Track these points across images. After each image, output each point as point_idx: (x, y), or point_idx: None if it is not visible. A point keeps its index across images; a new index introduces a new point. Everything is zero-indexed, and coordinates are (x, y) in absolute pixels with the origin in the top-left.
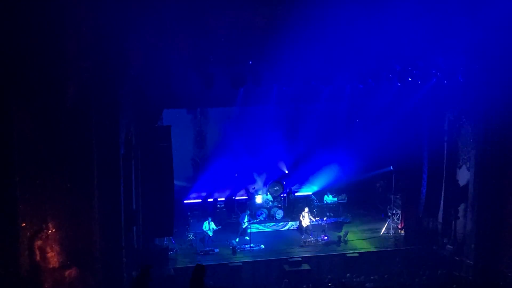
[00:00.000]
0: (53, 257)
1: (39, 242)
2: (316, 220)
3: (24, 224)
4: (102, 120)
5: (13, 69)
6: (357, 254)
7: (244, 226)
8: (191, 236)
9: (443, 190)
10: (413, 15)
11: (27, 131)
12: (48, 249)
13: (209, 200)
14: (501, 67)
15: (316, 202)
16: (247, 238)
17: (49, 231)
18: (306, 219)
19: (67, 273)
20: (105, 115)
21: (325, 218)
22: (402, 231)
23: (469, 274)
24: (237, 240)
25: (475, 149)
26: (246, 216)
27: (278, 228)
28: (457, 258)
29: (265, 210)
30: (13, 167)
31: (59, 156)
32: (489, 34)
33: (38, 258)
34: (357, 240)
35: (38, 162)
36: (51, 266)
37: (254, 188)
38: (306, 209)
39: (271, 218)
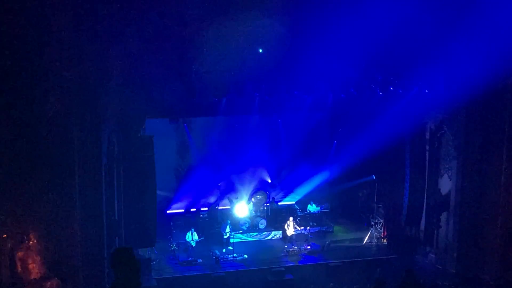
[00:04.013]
0: (34, 268)
1: (20, 254)
2: (299, 230)
3: (5, 236)
4: (83, 130)
5: None
6: (340, 263)
7: (226, 237)
8: (173, 247)
9: (425, 199)
10: (394, 25)
11: (7, 141)
12: (30, 260)
13: (192, 210)
14: (483, 77)
15: (299, 211)
16: (230, 248)
17: (31, 242)
18: (291, 228)
19: (48, 284)
20: (87, 125)
21: (308, 228)
22: (385, 240)
23: (451, 282)
24: (224, 250)
25: (456, 158)
26: (228, 226)
27: (261, 237)
28: (439, 267)
29: (248, 220)
30: None
31: (40, 166)
32: (471, 43)
33: (19, 269)
34: (340, 249)
35: (18, 173)
36: (32, 277)
37: (237, 198)
38: (291, 218)
39: (254, 228)
